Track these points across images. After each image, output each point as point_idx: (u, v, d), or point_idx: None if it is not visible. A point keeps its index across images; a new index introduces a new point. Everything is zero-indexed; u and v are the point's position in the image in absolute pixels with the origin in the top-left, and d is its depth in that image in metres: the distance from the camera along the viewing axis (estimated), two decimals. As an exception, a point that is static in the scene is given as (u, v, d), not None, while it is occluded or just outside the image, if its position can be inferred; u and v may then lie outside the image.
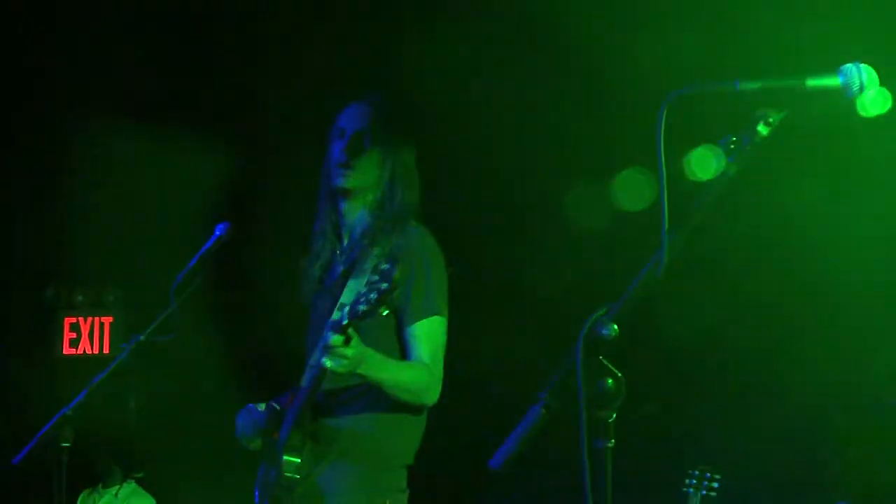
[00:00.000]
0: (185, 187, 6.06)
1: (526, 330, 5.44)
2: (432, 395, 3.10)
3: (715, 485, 5.62)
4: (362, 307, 2.75)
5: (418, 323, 3.07)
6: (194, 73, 6.29)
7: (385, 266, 2.74)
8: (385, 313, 2.78)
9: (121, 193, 6.53)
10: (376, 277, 2.75)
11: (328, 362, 2.85)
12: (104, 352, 6.86)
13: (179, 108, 6.35)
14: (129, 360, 3.53)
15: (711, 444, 5.90)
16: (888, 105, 1.73)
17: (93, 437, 4.80)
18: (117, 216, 6.53)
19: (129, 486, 6.25)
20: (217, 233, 3.54)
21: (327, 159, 3.27)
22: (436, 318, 3.12)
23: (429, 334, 3.09)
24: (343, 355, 2.83)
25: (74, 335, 6.91)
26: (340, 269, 3.26)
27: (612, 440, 1.68)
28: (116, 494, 6.23)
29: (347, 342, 2.82)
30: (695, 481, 5.67)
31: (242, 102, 6.27)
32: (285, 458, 3.05)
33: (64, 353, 6.95)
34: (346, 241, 3.30)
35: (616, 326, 1.69)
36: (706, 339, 5.69)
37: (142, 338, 3.55)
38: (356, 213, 3.25)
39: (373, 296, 2.73)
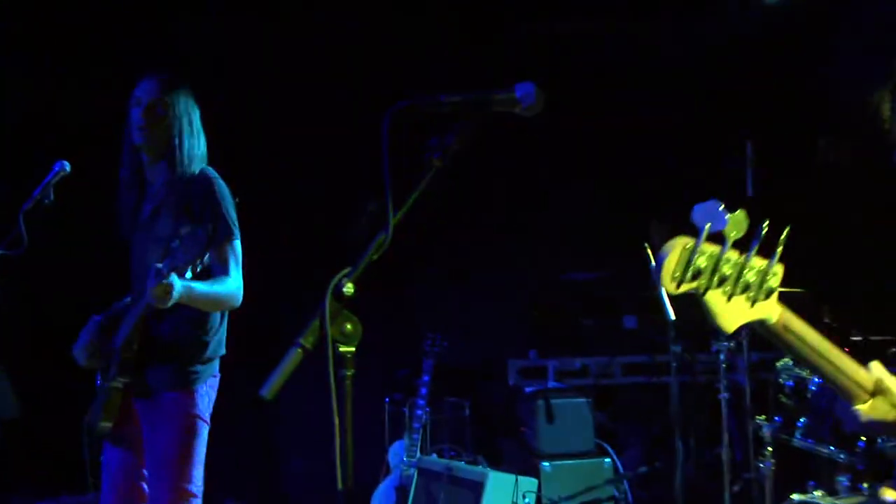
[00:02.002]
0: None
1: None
2: (237, 301, 3.73)
3: (445, 344, 6.45)
4: (179, 261, 3.33)
5: (225, 244, 3.65)
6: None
7: (199, 231, 3.32)
8: (199, 265, 3.39)
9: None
10: (187, 238, 3.34)
11: (157, 303, 3.40)
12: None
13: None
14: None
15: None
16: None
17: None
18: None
19: None
20: (55, 169, 3.93)
21: (128, 122, 3.80)
22: (233, 240, 3.72)
23: (229, 252, 3.69)
24: (166, 296, 3.38)
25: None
26: (150, 208, 3.80)
27: (352, 370, 2.25)
28: None
29: (170, 286, 3.36)
30: (430, 342, 6.46)
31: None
32: (121, 363, 3.67)
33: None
34: (151, 186, 3.84)
35: (352, 285, 2.25)
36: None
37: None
38: (156, 163, 3.81)
39: (183, 257, 3.32)
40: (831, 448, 4.37)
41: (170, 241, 3.46)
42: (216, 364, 3.81)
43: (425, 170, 2.32)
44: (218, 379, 3.82)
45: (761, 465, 5.09)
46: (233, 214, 3.74)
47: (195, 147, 3.80)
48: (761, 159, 5.98)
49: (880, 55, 2.04)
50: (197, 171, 3.77)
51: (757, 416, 5.17)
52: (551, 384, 6.11)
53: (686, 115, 7.16)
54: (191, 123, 3.81)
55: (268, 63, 7.00)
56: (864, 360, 2.04)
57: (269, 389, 2.26)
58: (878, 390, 1.94)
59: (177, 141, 3.76)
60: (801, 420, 4.59)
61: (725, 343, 5.40)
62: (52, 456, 7.17)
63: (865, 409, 1.97)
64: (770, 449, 5.00)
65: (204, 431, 3.72)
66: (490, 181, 7.50)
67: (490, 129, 2.36)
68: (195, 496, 3.65)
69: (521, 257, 7.72)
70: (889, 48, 2.01)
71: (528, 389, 6.04)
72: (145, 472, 3.78)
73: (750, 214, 5.32)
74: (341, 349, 2.25)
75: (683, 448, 6.74)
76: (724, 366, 5.46)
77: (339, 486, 2.14)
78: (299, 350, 2.22)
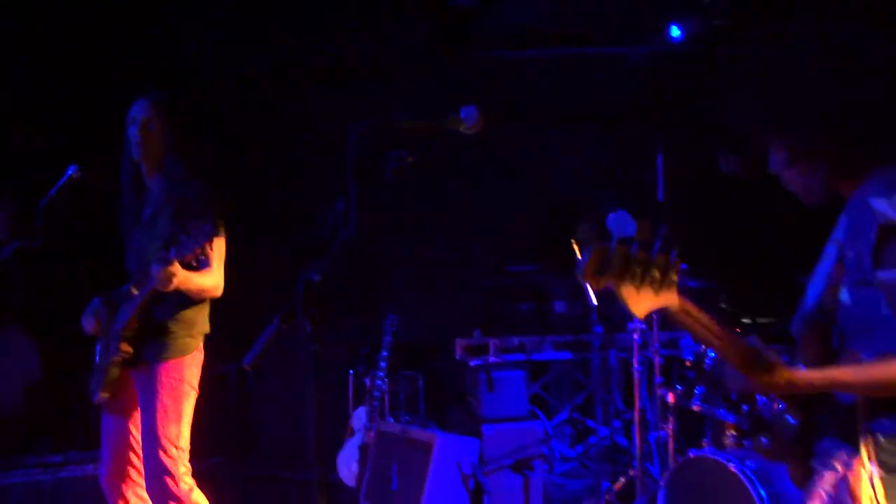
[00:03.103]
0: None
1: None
2: (219, 292, 3.83)
3: (400, 319, 6.50)
4: (185, 252, 3.46)
5: (210, 244, 3.67)
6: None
7: (203, 226, 3.43)
8: (199, 256, 3.53)
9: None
10: (194, 233, 3.45)
11: (160, 286, 3.53)
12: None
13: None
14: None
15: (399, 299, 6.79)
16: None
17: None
18: None
19: None
20: (69, 172, 4.03)
21: (126, 139, 3.87)
22: (219, 239, 3.77)
23: (216, 250, 3.74)
24: (171, 279, 3.52)
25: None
26: (150, 211, 3.87)
27: (319, 346, 2.35)
28: None
29: (174, 272, 3.49)
30: (389, 322, 6.52)
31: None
32: (122, 341, 3.75)
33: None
34: (150, 192, 3.90)
35: (318, 275, 2.34)
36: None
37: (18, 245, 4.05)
38: (153, 174, 3.88)
39: (192, 246, 3.45)
40: (722, 411, 4.47)
41: (174, 235, 3.56)
42: (201, 341, 3.90)
43: (386, 176, 2.42)
44: (202, 353, 3.90)
45: (666, 426, 5.21)
46: (219, 217, 3.79)
47: (186, 157, 3.88)
48: (671, 169, 6.09)
49: (758, 97, 2.13)
50: (190, 179, 3.85)
51: (663, 386, 5.29)
52: (492, 359, 6.16)
53: (608, 130, 7.28)
54: (182, 137, 3.88)
55: (250, 83, 7.07)
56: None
57: (251, 361, 2.36)
58: (754, 357, 2.02)
59: (171, 153, 3.84)
60: (699, 388, 4.67)
61: (639, 324, 5.50)
62: (61, 417, 7.20)
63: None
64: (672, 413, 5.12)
65: (192, 397, 3.79)
66: (444, 187, 7.62)
67: (450, 139, 2.47)
68: (183, 450, 3.71)
69: (470, 251, 7.83)
70: (767, 92, 2.10)
71: (472, 363, 6.09)
72: (138, 436, 3.85)
73: (660, 217, 5.44)
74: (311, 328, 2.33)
75: (602, 413, 6.89)
76: (637, 343, 5.57)
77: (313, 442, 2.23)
78: (277, 328, 2.31)
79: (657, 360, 5.44)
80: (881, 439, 1.96)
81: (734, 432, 4.50)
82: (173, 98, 3.93)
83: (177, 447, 3.68)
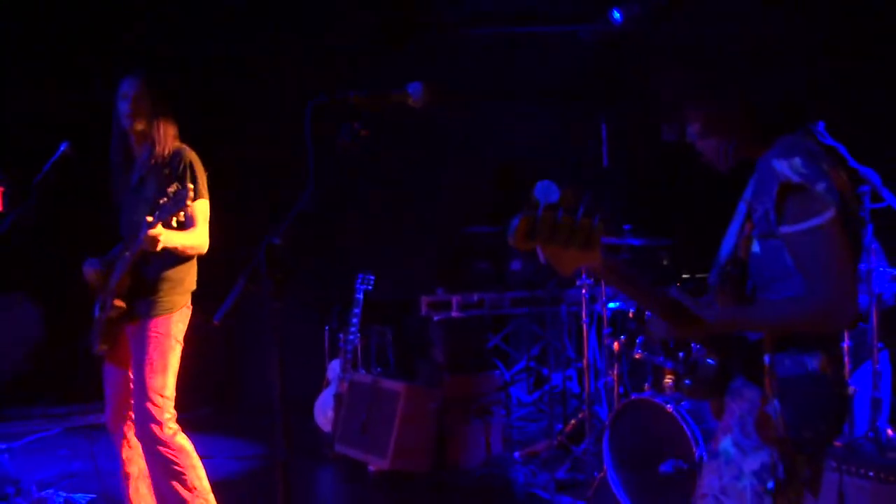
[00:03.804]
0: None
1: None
2: (204, 249, 3.84)
3: (371, 279, 6.53)
4: (166, 214, 3.48)
5: (195, 203, 3.72)
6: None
7: (182, 192, 3.44)
8: (181, 217, 3.53)
9: None
10: (174, 196, 3.46)
11: (148, 247, 3.56)
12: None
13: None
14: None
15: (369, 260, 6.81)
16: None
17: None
18: None
19: None
20: (61, 148, 4.05)
21: (116, 112, 3.89)
22: (203, 200, 3.83)
23: (200, 210, 3.80)
24: (156, 241, 3.54)
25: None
26: (137, 177, 3.88)
27: (280, 300, 2.35)
28: None
29: (157, 234, 3.52)
30: (360, 280, 6.53)
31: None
32: (116, 297, 3.78)
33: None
34: (137, 161, 3.91)
35: (278, 240, 2.34)
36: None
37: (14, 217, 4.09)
38: (141, 143, 3.89)
39: (173, 209, 3.47)
40: (661, 358, 4.54)
41: (157, 199, 3.58)
42: (188, 298, 3.92)
43: (340, 148, 2.42)
44: (190, 309, 3.92)
45: (612, 372, 5.28)
46: (203, 181, 3.87)
47: (169, 128, 3.90)
48: (615, 138, 6.11)
49: (676, 73, 2.15)
50: (173, 147, 3.87)
51: (610, 336, 5.35)
52: (455, 314, 6.20)
53: (558, 103, 7.30)
54: (165, 110, 3.90)
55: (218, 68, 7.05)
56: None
57: (220, 318, 2.37)
58: (673, 307, 2.06)
59: (157, 124, 3.86)
60: (640, 337, 4.73)
61: (587, 280, 5.54)
62: (63, 373, 7.19)
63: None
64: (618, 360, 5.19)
65: (177, 350, 3.83)
66: (409, 157, 7.62)
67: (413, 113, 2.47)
68: (168, 399, 3.75)
69: (435, 215, 7.86)
70: (684, 67, 2.11)
71: (436, 318, 6.13)
72: None
73: (605, 181, 5.45)
74: (273, 289, 2.33)
75: (554, 361, 6.97)
76: (586, 298, 5.62)
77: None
78: (245, 285, 2.31)
79: (605, 313, 5.49)
80: (781, 375, 2.01)
81: (672, 377, 4.57)
82: (156, 75, 3.93)
83: (163, 396, 3.73)
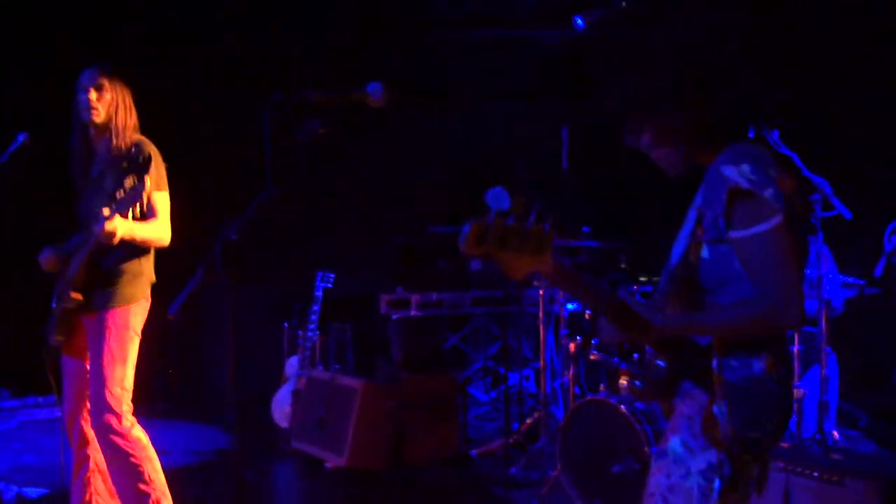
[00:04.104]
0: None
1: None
2: (166, 240, 3.82)
3: (331, 276, 6.53)
4: (122, 208, 3.48)
5: (155, 195, 3.72)
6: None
7: (138, 185, 3.44)
8: (137, 212, 3.53)
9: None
10: (130, 190, 3.46)
11: (104, 240, 3.54)
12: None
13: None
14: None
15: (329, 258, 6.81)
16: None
17: None
18: None
19: None
20: (19, 139, 3.99)
21: (76, 104, 3.85)
22: (163, 193, 3.81)
23: (159, 202, 3.78)
24: (112, 234, 3.52)
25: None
26: (97, 170, 3.85)
27: (236, 295, 2.36)
28: None
29: (113, 229, 3.50)
30: (320, 278, 6.52)
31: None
32: (73, 289, 3.75)
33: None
34: (97, 153, 3.88)
35: (234, 235, 2.35)
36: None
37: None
38: (101, 135, 3.85)
39: (129, 203, 3.47)
40: (616, 359, 4.58)
41: (114, 193, 3.57)
42: (147, 290, 3.89)
43: (299, 146, 2.43)
44: (149, 301, 3.90)
45: (568, 372, 5.31)
46: (162, 173, 3.84)
47: (129, 120, 3.87)
48: (577, 141, 6.14)
49: (624, 84, 2.18)
50: (133, 139, 3.84)
51: (567, 336, 5.38)
52: (413, 313, 6.20)
53: (521, 105, 7.34)
54: (125, 102, 3.87)
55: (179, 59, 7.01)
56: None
57: (175, 311, 2.37)
58: (622, 310, 2.08)
59: (116, 116, 3.84)
60: (595, 339, 4.77)
61: (545, 281, 5.56)
62: (19, 365, 7.10)
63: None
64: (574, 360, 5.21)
65: (135, 341, 3.81)
66: (372, 155, 7.63)
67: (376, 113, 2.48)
68: (126, 391, 3.73)
69: (395, 214, 7.87)
70: (632, 79, 2.15)
71: (395, 317, 6.13)
72: None
73: (565, 185, 5.47)
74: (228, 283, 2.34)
75: (512, 361, 6.99)
76: (544, 298, 5.64)
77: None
78: (199, 281, 2.32)
79: (563, 314, 5.52)
80: (728, 378, 2.05)
81: (627, 378, 4.61)
82: (118, 68, 3.90)
83: (121, 387, 3.71)
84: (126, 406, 3.72)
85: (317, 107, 2.42)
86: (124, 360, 3.73)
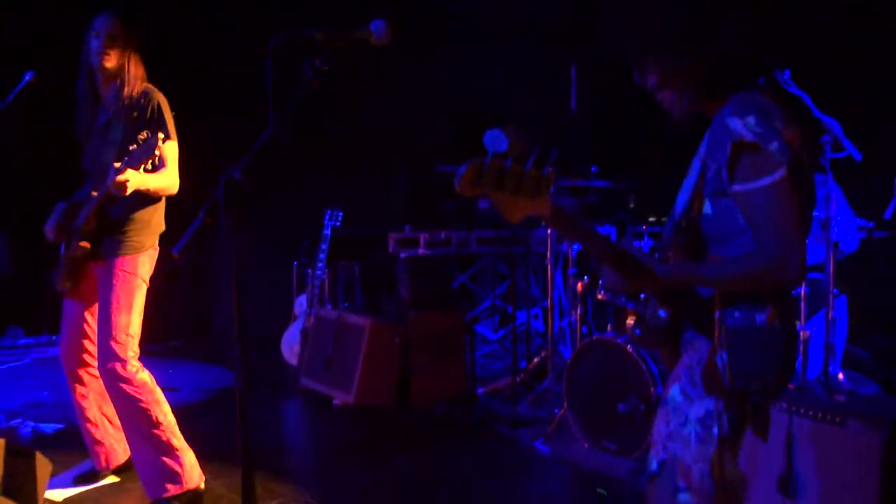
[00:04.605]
0: None
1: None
2: (175, 189, 3.81)
3: (340, 214, 6.52)
4: (135, 161, 3.45)
5: (164, 145, 3.67)
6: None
7: (151, 139, 3.41)
8: (148, 165, 3.48)
9: None
10: (143, 144, 3.43)
11: (117, 192, 3.53)
12: None
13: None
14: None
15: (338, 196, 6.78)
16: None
17: None
18: None
19: None
20: (26, 77, 3.95)
21: (87, 48, 3.79)
22: (172, 142, 3.79)
23: (169, 151, 3.76)
24: (124, 186, 3.50)
25: None
26: (104, 118, 3.81)
27: (240, 233, 2.33)
28: None
29: (126, 180, 3.48)
30: (328, 216, 6.52)
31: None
32: (81, 237, 3.75)
33: None
34: (104, 100, 3.83)
35: (240, 173, 2.31)
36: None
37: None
38: (109, 82, 3.81)
39: (142, 157, 3.44)
40: (622, 299, 4.58)
41: (124, 144, 3.57)
42: (156, 238, 3.89)
43: (302, 85, 2.38)
44: (157, 251, 3.90)
45: (575, 312, 5.32)
46: (171, 121, 3.81)
47: (139, 70, 3.83)
48: (586, 81, 6.06)
49: (632, 24, 2.13)
50: (142, 88, 3.81)
51: (575, 276, 5.38)
52: (422, 252, 6.19)
53: (529, 44, 7.23)
54: (136, 51, 3.83)
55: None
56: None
57: (179, 250, 2.36)
58: (623, 258, 2.06)
59: (127, 64, 3.80)
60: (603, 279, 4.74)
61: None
62: (33, 304, 7.17)
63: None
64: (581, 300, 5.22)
65: (143, 289, 3.82)
66: (380, 97, 7.55)
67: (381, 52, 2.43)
68: (132, 337, 3.75)
69: (403, 154, 7.82)
70: (640, 19, 2.09)
71: (402, 255, 6.14)
72: (93, 325, 3.94)
73: (573, 123, 5.41)
74: (231, 223, 2.31)
75: (520, 300, 7.00)
76: (552, 238, 5.63)
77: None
78: (202, 222, 2.30)
79: (571, 254, 5.51)
80: (730, 327, 2.03)
81: (634, 318, 4.60)
82: (129, 13, 3.85)
83: (127, 334, 3.72)
84: (132, 352, 3.73)
85: (320, 45, 2.37)
86: (131, 308, 3.75)
